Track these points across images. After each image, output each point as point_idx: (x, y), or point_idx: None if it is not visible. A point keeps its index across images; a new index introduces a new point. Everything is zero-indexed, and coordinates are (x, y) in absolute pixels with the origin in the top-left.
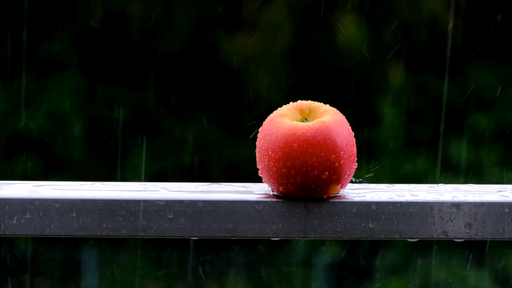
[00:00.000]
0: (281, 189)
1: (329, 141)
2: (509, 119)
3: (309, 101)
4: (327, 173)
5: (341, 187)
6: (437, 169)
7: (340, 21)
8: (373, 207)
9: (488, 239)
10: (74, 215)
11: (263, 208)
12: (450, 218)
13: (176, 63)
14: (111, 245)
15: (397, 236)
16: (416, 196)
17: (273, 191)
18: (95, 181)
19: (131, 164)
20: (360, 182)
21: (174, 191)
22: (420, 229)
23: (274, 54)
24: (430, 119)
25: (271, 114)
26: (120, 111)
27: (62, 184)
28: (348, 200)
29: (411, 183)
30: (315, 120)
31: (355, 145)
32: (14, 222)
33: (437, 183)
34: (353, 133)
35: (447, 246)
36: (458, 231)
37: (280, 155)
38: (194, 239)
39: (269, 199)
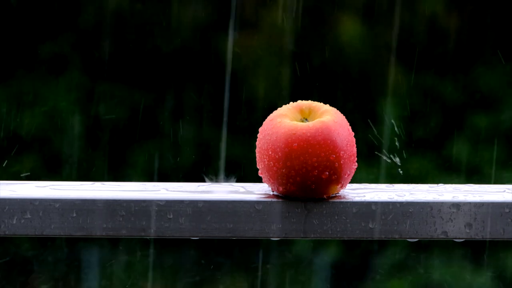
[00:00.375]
0: (281, 189)
1: (329, 141)
2: (509, 119)
3: (309, 101)
4: (327, 173)
5: (341, 187)
6: (437, 169)
7: (340, 21)
8: (373, 207)
9: (488, 239)
10: (74, 215)
11: (263, 208)
12: (450, 218)
13: (176, 63)
14: (111, 245)
15: (397, 236)
16: (416, 196)
17: (273, 191)
18: (95, 181)
19: (131, 164)
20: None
21: (174, 191)
22: (420, 229)
23: (274, 54)
24: (431, 119)
25: (271, 114)
26: (120, 111)
27: (62, 184)
28: (348, 200)
29: (411, 183)
30: (315, 120)
31: (355, 145)
32: (14, 222)
33: (437, 183)
34: (353, 133)
35: (447, 246)
36: (458, 231)
37: (280, 155)
38: (194, 239)
39: (269, 199)
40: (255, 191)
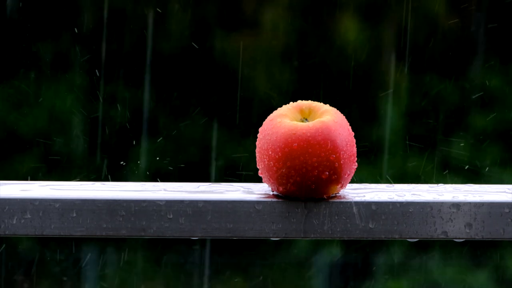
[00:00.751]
0: (281, 189)
1: (329, 141)
2: (509, 119)
3: (309, 101)
4: (327, 173)
5: (341, 187)
6: (437, 169)
7: (340, 21)
8: (373, 207)
9: (488, 239)
10: (74, 215)
11: (263, 208)
12: (450, 218)
13: (176, 63)
14: (111, 245)
15: (397, 236)
16: (416, 196)
17: (273, 191)
18: (95, 181)
19: (131, 164)
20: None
21: (174, 191)
22: (420, 229)
23: (273, 54)
24: (431, 119)
25: (271, 114)
26: (120, 111)
27: (62, 184)
28: (348, 200)
29: (411, 183)
30: (315, 120)
31: (355, 145)
32: (14, 222)
33: (437, 183)
34: (353, 133)
35: (447, 246)
36: (458, 231)
37: (280, 155)
38: (194, 239)
39: (269, 199)
40: (255, 191)
